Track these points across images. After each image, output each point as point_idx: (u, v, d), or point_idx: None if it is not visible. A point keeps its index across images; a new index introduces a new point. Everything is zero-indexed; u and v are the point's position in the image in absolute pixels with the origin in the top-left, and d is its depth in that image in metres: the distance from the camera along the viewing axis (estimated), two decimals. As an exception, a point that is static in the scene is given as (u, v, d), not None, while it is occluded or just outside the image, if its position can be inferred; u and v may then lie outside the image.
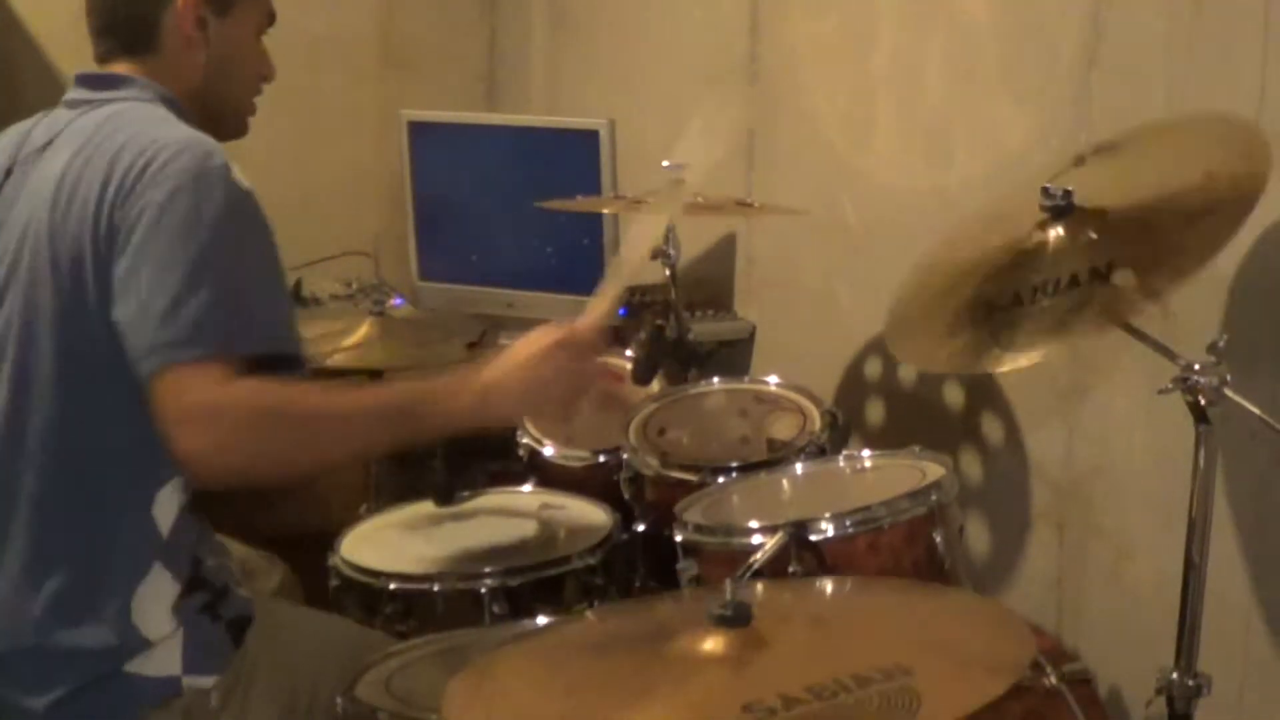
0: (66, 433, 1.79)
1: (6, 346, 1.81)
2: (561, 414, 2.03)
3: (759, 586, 1.75)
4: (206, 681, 1.83)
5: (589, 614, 1.76)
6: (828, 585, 1.80)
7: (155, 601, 1.80)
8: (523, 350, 1.90)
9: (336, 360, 2.67)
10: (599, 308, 2.00)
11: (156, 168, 1.76)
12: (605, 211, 3.03)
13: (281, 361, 1.80)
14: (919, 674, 1.31)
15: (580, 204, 2.85)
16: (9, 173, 1.89)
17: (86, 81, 1.93)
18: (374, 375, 2.71)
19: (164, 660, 1.81)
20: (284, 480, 1.83)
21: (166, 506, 1.82)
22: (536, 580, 2.16)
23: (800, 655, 1.36)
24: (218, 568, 1.89)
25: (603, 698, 1.36)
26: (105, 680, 1.78)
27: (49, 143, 1.88)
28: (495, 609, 2.11)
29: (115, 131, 1.82)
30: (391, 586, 2.16)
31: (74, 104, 1.92)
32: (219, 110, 1.98)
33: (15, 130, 1.96)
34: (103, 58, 1.95)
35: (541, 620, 1.99)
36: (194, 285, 1.71)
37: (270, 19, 2.05)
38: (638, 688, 1.35)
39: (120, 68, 1.93)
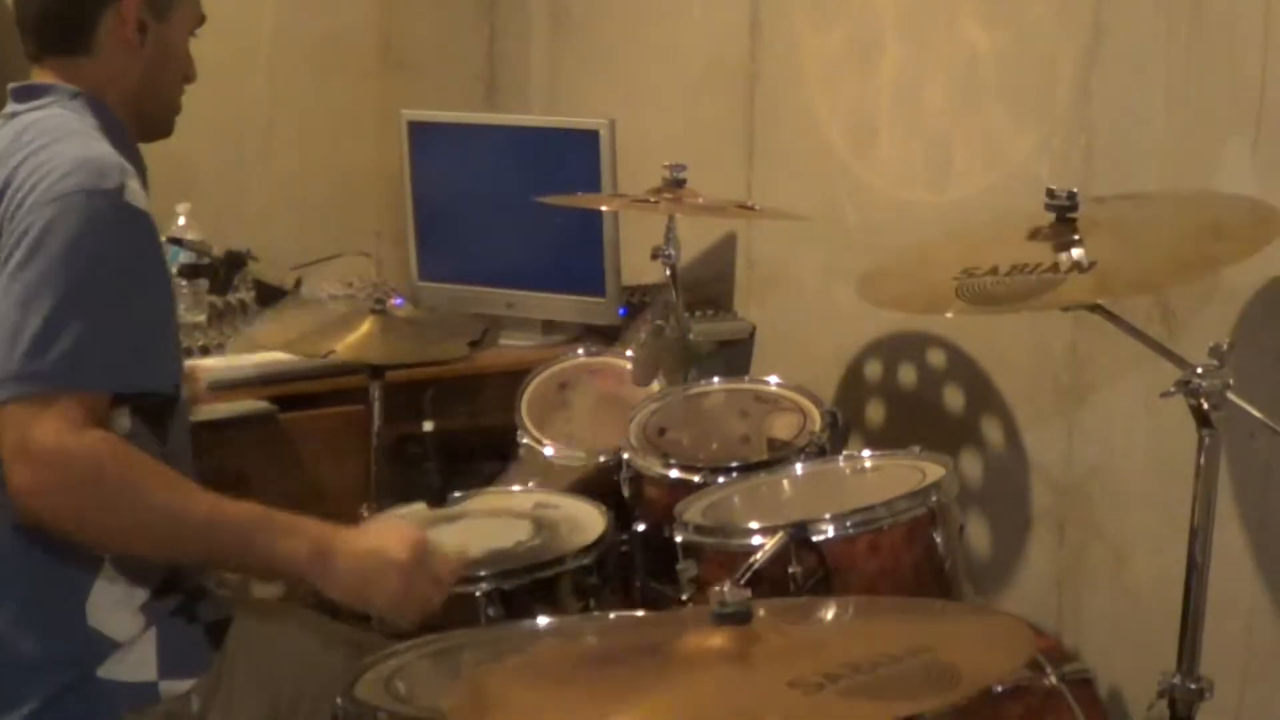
0: None
1: None
2: (383, 613, 1.85)
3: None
4: (184, 685, 1.82)
5: (594, 614, 1.74)
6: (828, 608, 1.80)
7: (116, 605, 1.79)
8: (389, 539, 1.79)
9: (337, 356, 2.67)
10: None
11: (46, 185, 1.72)
12: (605, 209, 3.03)
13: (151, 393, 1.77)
14: (941, 651, 1.30)
15: (580, 199, 2.84)
16: None
17: (16, 94, 1.91)
18: (375, 370, 2.71)
19: (138, 664, 1.80)
20: (92, 548, 1.75)
21: None
22: (531, 582, 2.16)
23: (808, 654, 1.36)
24: (193, 570, 1.88)
25: (607, 701, 1.36)
26: (79, 688, 1.77)
27: None
28: (490, 612, 2.11)
29: (21, 147, 1.80)
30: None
31: (5, 116, 1.90)
32: (151, 112, 1.96)
33: None
34: (34, 56, 1.91)
35: (542, 620, 1.99)
36: (66, 315, 1.66)
37: (200, 21, 2.00)
38: (642, 691, 1.34)
39: (49, 71, 1.90)
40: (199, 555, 1.78)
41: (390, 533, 1.85)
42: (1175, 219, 1.94)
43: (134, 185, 1.77)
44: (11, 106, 1.90)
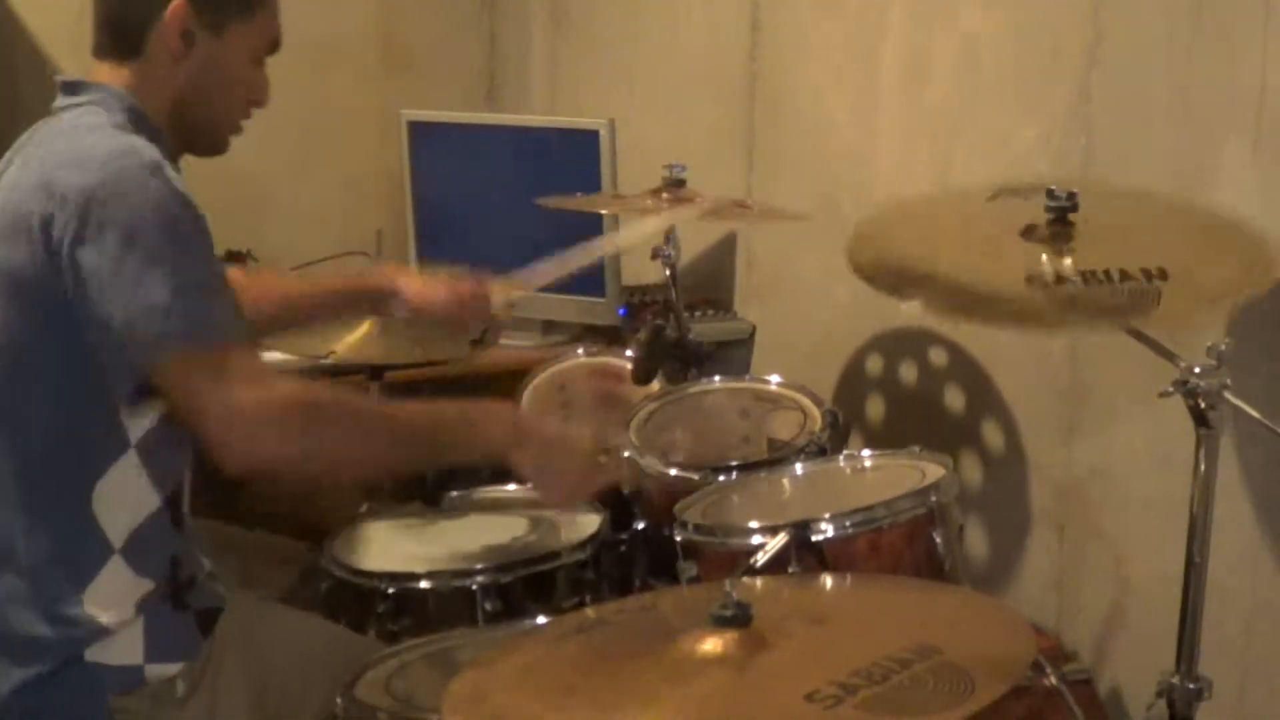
0: None
1: None
2: (549, 492, 2.02)
3: (757, 583, 1.75)
4: (171, 669, 1.84)
5: (589, 611, 1.75)
6: (825, 582, 1.80)
7: (114, 594, 1.81)
8: (570, 430, 1.97)
9: (337, 356, 2.67)
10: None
11: (91, 169, 1.74)
12: (604, 212, 3.03)
13: None
14: (949, 652, 1.30)
15: (579, 202, 2.84)
16: None
17: (63, 87, 1.93)
18: (375, 371, 2.71)
19: (125, 649, 1.81)
20: (318, 478, 1.88)
21: (112, 504, 1.81)
22: (528, 577, 2.17)
23: (813, 652, 1.35)
24: (188, 559, 1.90)
25: (606, 701, 1.35)
26: (67, 668, 1.79)
27: (19, 149, 1.88)
28: (488, 606, 2.12)
29: (56, 140, 1.84)
30: (383, 586, 2.16)
31: (51, 110, 1.92)
32: (196, 125, 1.97)
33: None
34: (95, 51, 1.94)
35: (541, 620, 1.99)
36: (179, 279, 1.72)
37: (273, 46, 2.03)
38: (642, 691, 1.34)
39: (102, 70, 1.92)
40: (413, 459, 1.98)
41: (570, 428, 2.00)
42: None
43: (169, 167, 1.81)
44: (59, 100, 1.93)
